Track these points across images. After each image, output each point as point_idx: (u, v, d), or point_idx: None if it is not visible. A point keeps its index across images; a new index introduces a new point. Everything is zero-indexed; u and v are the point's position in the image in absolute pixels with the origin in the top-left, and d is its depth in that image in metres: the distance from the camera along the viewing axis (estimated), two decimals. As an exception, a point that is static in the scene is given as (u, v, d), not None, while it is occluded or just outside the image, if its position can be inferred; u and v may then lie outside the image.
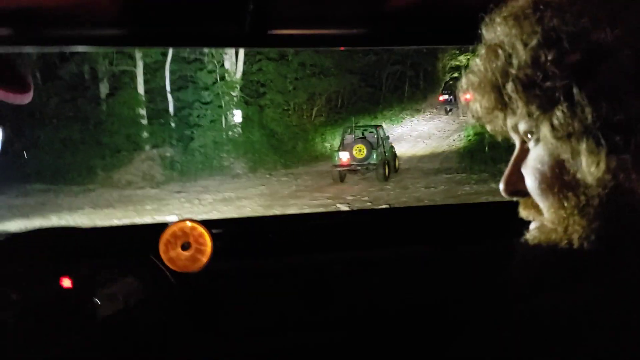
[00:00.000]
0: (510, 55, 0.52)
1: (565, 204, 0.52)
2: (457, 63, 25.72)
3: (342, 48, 1.48)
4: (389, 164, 13.89)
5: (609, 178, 0.48)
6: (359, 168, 13.66)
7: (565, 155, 0.50)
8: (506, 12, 0.54)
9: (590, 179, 0.49)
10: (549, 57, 0.49)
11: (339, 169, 13.66)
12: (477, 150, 15.43)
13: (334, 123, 22.88)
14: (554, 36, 0.49)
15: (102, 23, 1.20)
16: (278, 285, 1.55)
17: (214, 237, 1.41)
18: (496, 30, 0.55)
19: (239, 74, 19.33)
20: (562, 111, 0.48)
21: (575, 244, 0.51)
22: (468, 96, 0.59)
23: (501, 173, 0.60)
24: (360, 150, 13.54)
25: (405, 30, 1.32)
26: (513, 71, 0.51)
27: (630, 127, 0.46)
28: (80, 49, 1.37)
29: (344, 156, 13.61)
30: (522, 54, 0.50)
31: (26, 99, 0.79)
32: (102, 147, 16.81)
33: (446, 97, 24.30)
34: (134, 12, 1.17)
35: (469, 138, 17.84)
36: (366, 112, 24.22)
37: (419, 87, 27.76)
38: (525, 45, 0.50)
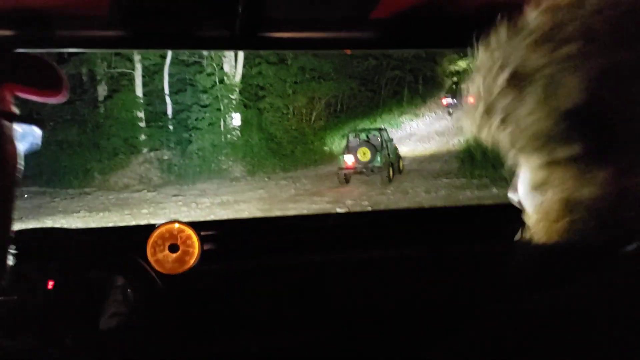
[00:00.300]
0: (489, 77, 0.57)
1: (539, 209, 0.56)
2: (457, 68, 25.67)
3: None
4: (393, 166, 14.26)
5: (565, 183, 0.52)
6: (364, 170, 13.85)
7: (535, 163, 0.55)
8: (490, 41, 0.58)
9: (554, 185, 0.53)
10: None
11: (344, 171, 13.95)
12: (477, 155, 15.33)
13: (334, 127, 22.81)
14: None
15: (94, 25, 1.20)
16: (267, 287, 1.54)
17: (201, 238, 1.42)
18: (482, 56, 0.59)
19: (238, 77, 19.24)
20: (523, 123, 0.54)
21: (555, 246, 0.55)
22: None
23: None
24: (364, 154, 13.80)
25: (396, 34, 1.34)
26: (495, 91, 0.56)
27: (577, 138, 0.49)
28: (72, 50, 1.35)
29: (349, 159, 13.89)
30: (498, 77, 0.55)
31: (62, 98, 0.83)
32: (99, 149, 16.75)
33: (449, 100, 24.39)
34: (123, 15, 1.17)
35: (469, 142, 17.72)
36: (365, 117, 24.15)
37: (418, 92, 27.69)
38: (501, 68, 0.55)
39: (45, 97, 0.80)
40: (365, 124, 22.00)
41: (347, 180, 14.01)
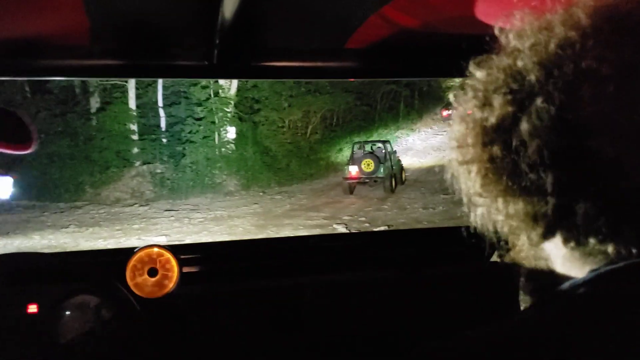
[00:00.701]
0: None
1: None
2: (453, 83, 25.70)
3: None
4: (395, 177, 14.83)
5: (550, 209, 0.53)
6: (367, 181, 14.36)
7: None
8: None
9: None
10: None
11: (348, 181, 14.44)
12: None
13: (329, 141, 22.67)
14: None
15: (76, 54, 1.23)
16: (247, 311, 1.57)
17: (180, 262, 1.44)
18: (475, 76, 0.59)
19: (233, 90, 19.08)
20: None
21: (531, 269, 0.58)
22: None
23: None
24: (368, 165, 14.31)
25: (368, 63, 1.42)
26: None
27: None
28: (55, 78, 1.40)
29: (353, 170, 14.39)
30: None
31: (30, 149, 0.91)
32: (91, 162, 16.52)
33: (450, 112, 24.62)
34: (99, 43, 1.21)
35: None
36: (361, 131, 24.04)
37: (413, 107, 27.68)
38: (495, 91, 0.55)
39: (17, 150, 0.90)
40: (361, 138, 21.92)
41: (351, 190, 14.44)
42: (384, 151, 15.30)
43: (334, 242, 2.00)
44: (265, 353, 1.55)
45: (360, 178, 14.32)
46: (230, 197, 15.35)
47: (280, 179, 18.00)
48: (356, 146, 16.38)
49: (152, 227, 10.94)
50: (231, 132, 18.69)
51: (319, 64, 1.40)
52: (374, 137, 22.76)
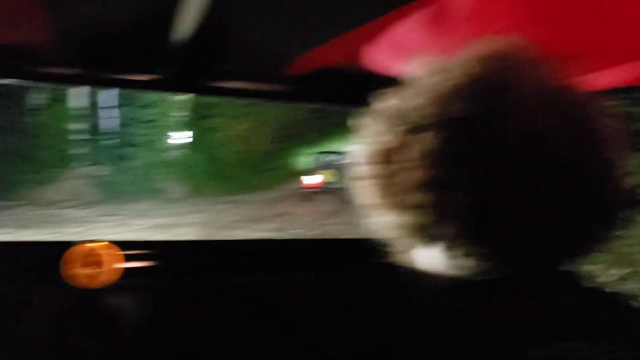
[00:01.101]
0: None
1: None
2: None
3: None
4: None
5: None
6: (325, 190, 14.76)
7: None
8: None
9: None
10: None
11: (307, 190, 14.96)
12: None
13: (281, 152, 22.61)
14: None
15: (40, 60, 1.31)
16: (182, 307, 1.59)
17: (118, 257, 1.47)
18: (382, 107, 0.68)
19: (185, 95, 18.80)
20: None
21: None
22: None
23: None
24: (327, 174, 14.89)
25: (305, 89, 1.60)
26: None
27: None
28: (16, 81, 1.48)
29: (312, 179, 15.14)
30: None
31: None
32: (31, 161, 15.97)
33: None
34: (59, 52, 1.29)
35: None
36: (314, 143, 24.11)
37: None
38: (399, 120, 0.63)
39: None
40: (315, 150, 22.04)
41: (309, 199, 14.64)
42: (343, 162, 15.42)
43: (269, 246, 2.02)
44: (241, 354, 1.58)
45: (318, 187, 14.57)
46: (176, 204, 15.09)
47: (228, 188, 17.78)
48: (317, 156, 16.63)
49: (92, 232, 10.64)
50: (181, 137, 18.43)
51: (259, 86, 1.57)
52: (327, 149, 22.94)
